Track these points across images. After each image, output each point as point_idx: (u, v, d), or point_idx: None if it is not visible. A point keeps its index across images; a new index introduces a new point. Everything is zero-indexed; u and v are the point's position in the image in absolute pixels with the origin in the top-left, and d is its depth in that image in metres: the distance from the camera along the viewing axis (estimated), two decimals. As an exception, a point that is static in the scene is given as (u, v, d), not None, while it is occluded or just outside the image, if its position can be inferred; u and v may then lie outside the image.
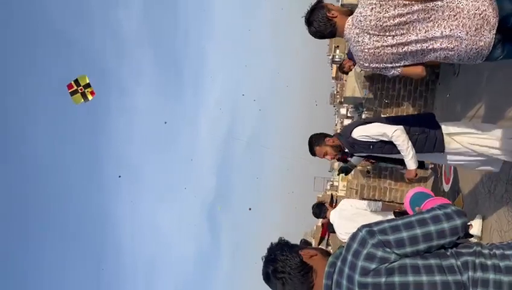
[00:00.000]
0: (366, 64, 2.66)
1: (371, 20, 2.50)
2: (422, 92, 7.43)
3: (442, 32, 2.44)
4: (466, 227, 1.53)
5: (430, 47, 2.50)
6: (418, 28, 2.46)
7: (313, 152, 4.00)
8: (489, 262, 1.44)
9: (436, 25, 2.45)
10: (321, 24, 2.71)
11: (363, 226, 1.55)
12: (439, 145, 3.34)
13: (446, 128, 3.36)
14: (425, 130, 3.38)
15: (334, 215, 5.01)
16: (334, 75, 45.71)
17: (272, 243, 1.74)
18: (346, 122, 37.63)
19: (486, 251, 1.48)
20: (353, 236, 1.55)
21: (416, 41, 2.50)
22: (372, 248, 1.46)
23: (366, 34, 2.55)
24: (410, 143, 3.33)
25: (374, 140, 3.45)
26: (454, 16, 2.41)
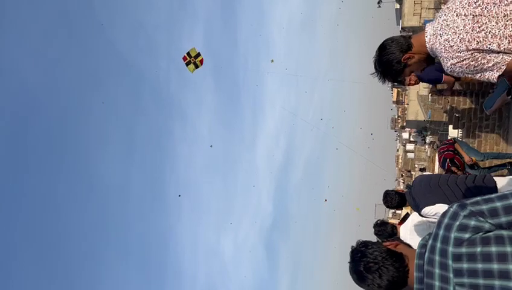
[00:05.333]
0: (463, 48, 1.91)
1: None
2: (496, 105, 7.00)
3: None
4: None
5: None
6: None
7: None
8: None
9: None
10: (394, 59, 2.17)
11: (454, 203, 1.52)
12: None
13: None
14: None
15: (405, 233, 4.68)
16: (394, 99, 44.84)
17: (352, 246, 1.73)
18: (409, 147, 36.52)
19: None
20: (444, 213, 1.51)
21: None
22: (465, 219, 1.43)
23: (457, 17, 1.95)
24: None
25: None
26: None
